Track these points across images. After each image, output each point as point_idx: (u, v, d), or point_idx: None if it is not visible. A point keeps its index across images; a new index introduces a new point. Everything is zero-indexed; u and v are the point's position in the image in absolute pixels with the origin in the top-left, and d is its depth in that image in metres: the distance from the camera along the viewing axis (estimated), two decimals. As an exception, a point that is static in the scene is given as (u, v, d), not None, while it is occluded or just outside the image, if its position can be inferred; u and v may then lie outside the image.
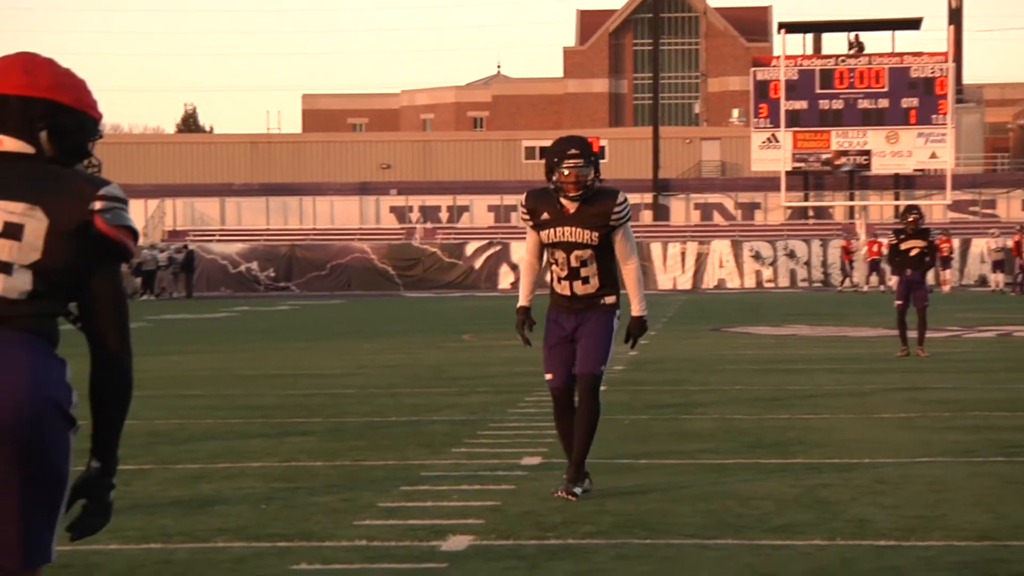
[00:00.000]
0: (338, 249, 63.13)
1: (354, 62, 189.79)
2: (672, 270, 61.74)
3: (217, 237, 65.46)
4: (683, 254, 62.01)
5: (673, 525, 8.12)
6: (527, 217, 9.20)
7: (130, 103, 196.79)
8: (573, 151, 8.98)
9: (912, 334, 20.91)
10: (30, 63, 4.01)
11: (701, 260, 61.80)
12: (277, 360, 21.84)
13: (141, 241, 64.09)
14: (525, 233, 9.37)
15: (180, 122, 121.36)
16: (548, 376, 9.19)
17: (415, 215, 69.68)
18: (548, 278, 9.25)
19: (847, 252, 56.54)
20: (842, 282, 55.96)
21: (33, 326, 3.81)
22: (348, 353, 23.21)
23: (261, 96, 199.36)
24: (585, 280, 9.06)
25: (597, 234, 9.00)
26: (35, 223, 3.85)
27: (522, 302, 9.34)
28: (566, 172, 8.94)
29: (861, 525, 8.07)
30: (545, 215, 9.07)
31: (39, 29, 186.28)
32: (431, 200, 70.16)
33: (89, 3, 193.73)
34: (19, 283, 3.82)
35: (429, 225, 67.60)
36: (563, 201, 9.03)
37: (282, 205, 70.79)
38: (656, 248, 62.14)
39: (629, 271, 9.16)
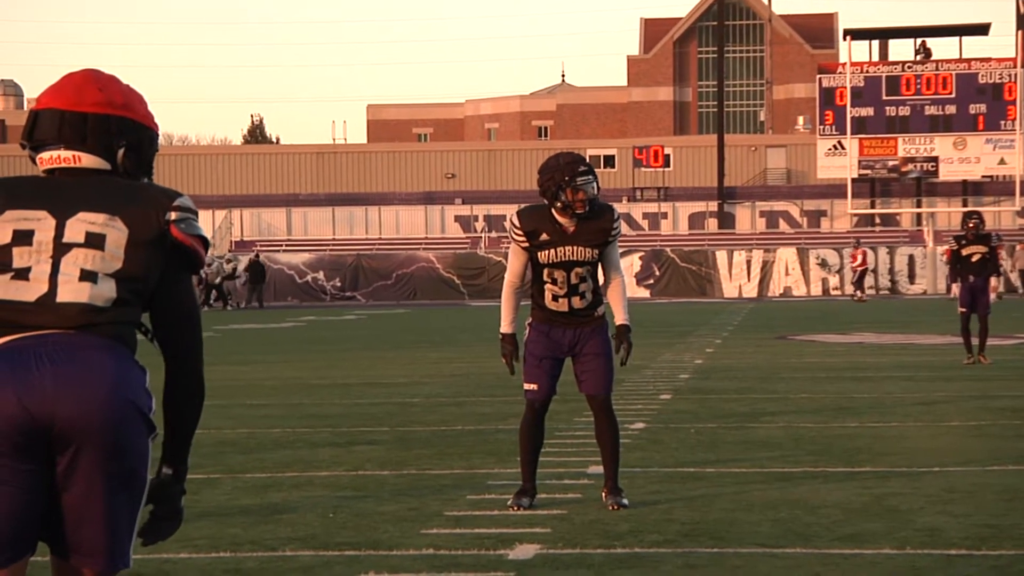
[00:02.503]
0: (403, 258, 63.28)
1: (419, 72, 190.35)
2: (738, 278, 61.51)
3: (284, 247, 65.78)
4: (748, 262, 61.76)
5: (741, 534, 8.10)
6: (522, 238, 9.03)
7: (198, 114, 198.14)
8: (583, 168, 8.91)
9: (976, 341, 20.76)
10: (102, 80, 4.12)
11: (767, 268, 61.54)
12: (344, 369, 21.91)
13: (210, 252, 64.59)
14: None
15: (247, 133, 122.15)
16: (532, 387, 9.13)
17: (480, 224, 69.77)
18: (538, 296, 9.12)
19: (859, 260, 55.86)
20: (862, 289, 55.38)
21: (116, 333, 3.93)
22: (414, 362, 23.26)
23: (327, 107, 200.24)
24: (583, 295, 9.06)
25: (597, 251, 8.99)
26: (116, 233, 3.97)
27: (507, 328, 9.24)
28: (578, 190, 8.85)
29: (931, 534, 8.02)
30: (545, 236, 8.97)
31: (107, 42, 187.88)
32: (496, 209, 70.21)
33: (156, 16, 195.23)
34: (105, 291, 3.93)
35: (494, 234, 67.64)
36: (560, 220, 8.95)
37: (348, 215, 71.06)
38: (722, 256, 61.94)
39: (617, 283, 9.13)
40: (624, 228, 70.66)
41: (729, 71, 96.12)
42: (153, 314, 4.07)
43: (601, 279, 9.15)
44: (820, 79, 67.53)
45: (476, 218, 70.38)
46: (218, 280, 57.42)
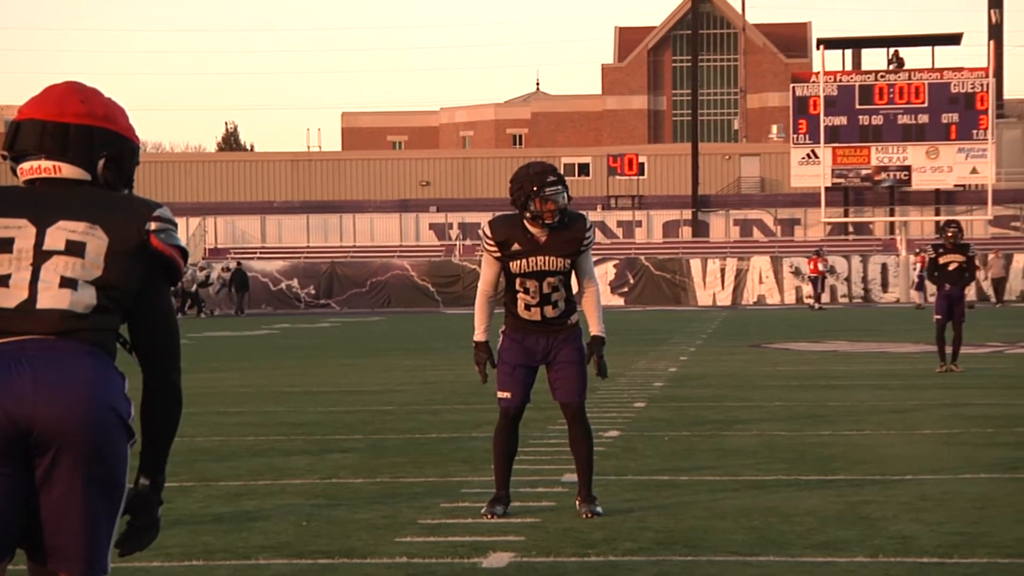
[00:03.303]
0: (378, 266, 63.23)
1: (393, 80, 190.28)
2: (712, 286, 61.59)
3: (258, 255, 65.68)
4: (723, 270, 61.85)
5: (715, 542, 8.11)
6: (494, 249, 9.01)
7: (172, 122, 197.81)
8: (552, 178, 8.87)
9: (949, 349, 20.83)
10: (84, 92, 4.18)
11: (741, 276, 61.63)
12: (318, 377, 21.88)
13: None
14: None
15: (221, 140, 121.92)
16: (505, 395, 9.10)
17: (455, 232, 69.75)
18: (511, 305, 9.11)
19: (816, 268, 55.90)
20: (816, 298, 55.44)
21: (96, 339, 3.99)
22: (388, 370, 23.24)
23: (302, 114, 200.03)
24: (555, 304, 9.03)
25: (569, 260, 8.98)
26: (96, 241, 4.03)
27: (480, 336, 9.18)
28: (547, 200, 8.83)
29: (904, 542, 8.04)
30: (517, 246, 8.96)
31: (79, 49, 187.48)
32: (471, 217, 70.19)
33: (130, 23, 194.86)
34: (85, 298, 3.99)
35: (468, 242, 67.62)
36: (532, 230, 8.93)
37: (322, 222, 70.98)
38: (696, 264, 62.01)
39: (592, 292, 9.11)
40: (598, 236, 70.74)
41: (703, 80, 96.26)
42: (131, 324, 4.13)
43: (575, 288, 9.14)
44: (794, 88, 67.68)
45: (451, 226, 70.37)
46: (193, 288, 57.34)
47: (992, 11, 78.97)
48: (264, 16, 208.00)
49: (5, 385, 3.83)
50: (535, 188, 8.85)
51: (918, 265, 54.98)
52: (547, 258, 8.93)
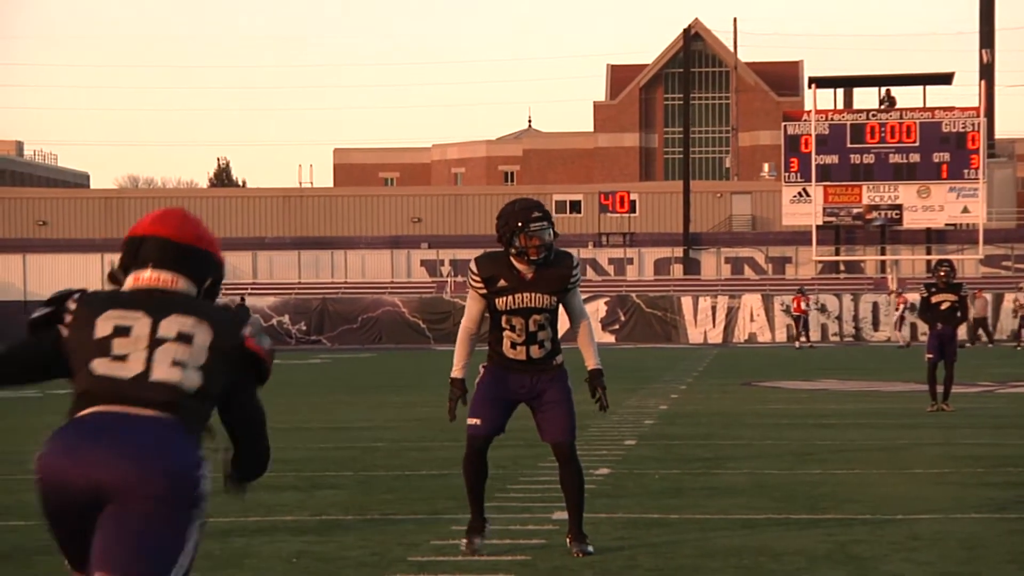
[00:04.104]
0: (369, 302, 63.21)
1: (385, 117, 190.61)
2: (703, 324, 61.60)
3: (249, 290, 65.65)
4: (714, 308, 61.88)
5: (704, 580, 8.09)
6: (480, 285, 9.00)
7: (164, 157, 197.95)
8: (537, 214, 8.86)
9: (941, 388, 20.82)
10: (197, 221, 4.96)
11: (732, 314, 61.66)
12: (308, 413, 21.85)
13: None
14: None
15: (213, 176, 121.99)
16: (474, 422, 8.99)
17: (446, 268, 69.78)
18: (496, 344, 9.05)
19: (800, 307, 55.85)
20: (798, 336, 55.46)
21: (189, 418, 4.66)
22: (378, 406, 23.21)
23: (293, 151, 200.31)
24: (541, 344, 8.98)
25: (556, 298, 8.94)
26: (202, 335, 4.71)
27: (458, 373, 9.10)
28: (532, 236, 8.81)
29: (894, 581, 8.03)
30: (503, 282, 8.93)
31: (73, 84, 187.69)
32: (462, 254, 70.19)
33: (124, 58, 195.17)
34: (193, 379, 4.66)
35: (460, 278, 67.60)
36: (519, 266, 8.91)
37: (314, 259, 70.98)
38: (687, 302, 62.03)
39: (585, 328, 9.08)
40: (589, 273, 70.84)
41: (695, 118, 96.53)
42: (225, 408, 4.85)
43: (567, 326, 9.12)
44: (785, 126, 67.84)
45: (442, 262, 70.40)
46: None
47: (983, 51, 79.23)
48: (257, 52, 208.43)
49: (79, 443, 4.50)
50: (520, 224, 8.84)
51: (900, 306, 55.09)
52: (533, 295, 8.90)
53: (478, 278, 8.99)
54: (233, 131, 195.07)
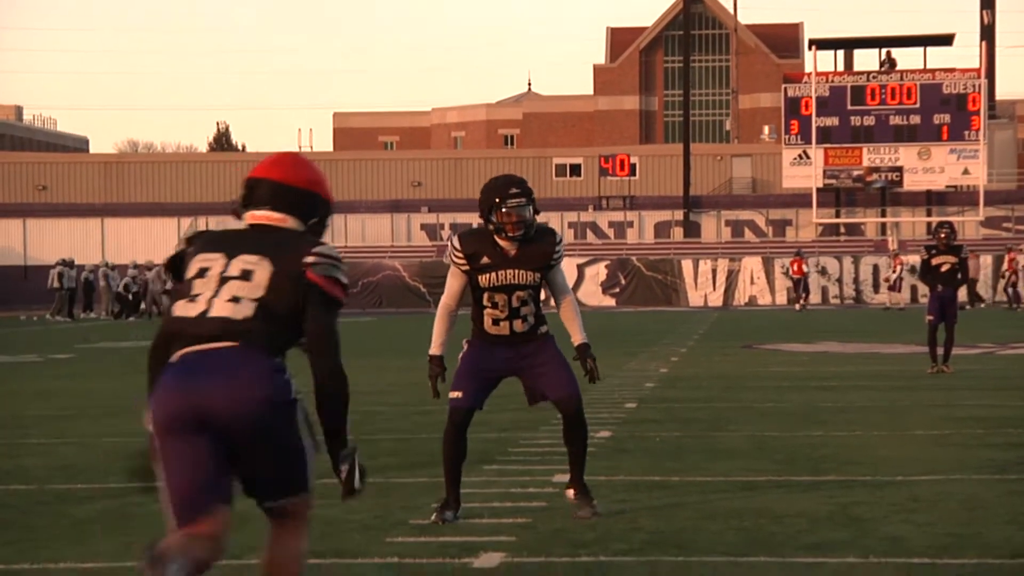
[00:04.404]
0: (369, 267, 63.22)
1: (385, 80, 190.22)
2: (703, 287, 61.61)
3: (249, 255, 65.66)
4: (714, 271, 61.88)
5: (706, 543, 8.11)
6: (463, 261, 8.94)
7: (163, 122, 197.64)
8: (515, 190, 8.80)
9: (941, 350, 20.83)
10: (307, 165, 5.70)
11: (732, 277, 61.66)
12: (309, 378, 21.82)
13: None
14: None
15: (213, 140, 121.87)
16: (456, 395, 8.93)
17: (446, 232, 69.73)
18: (478, 321, 9.02)
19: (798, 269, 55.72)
20: (797, 299, 55.38)
21: (253, 341, 5.30)
22: (379, 370, 23.23)
23: (293, 115, 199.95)
24: (524, 319, 8.94)
25: (539, 275, 8.91)
26: (262, 270, 5.38)
27: (436, 350, 9.02)
28: (512, 213, 8.77)
29: (894, 543, 8.05)
30: (486, 259, 8.88)
31: (72, 48, 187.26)
32: (462, 217, 70.18)
33: (121, 22, 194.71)
34: (244, 310, 5.32)
35: (460, 242, 67.60)
36: (501, 243, 8.87)
37: (314, 222, 70.91)
38: (687, 265, 62.03)
39: (568, 304, 9.05)
40: (589, 237, 70.82)
41: (695, 80, 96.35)
42: (306, 335, 5.42)
43: (550, 303, 9.07)
44: (785, 88, 67.71)
45: (442, 226, 70.36)
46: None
47: (984, 12, 79.02)
48: (256, 16, 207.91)
49: (180, 381, 5.24)
50: (497, 200, 8.80)
51: (898, 267, 55.01)
52: (516, 271, 8.86)
53: (460, 255, 8.93)
54: (232, 95, 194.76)
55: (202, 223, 69.96)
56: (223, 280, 5.39)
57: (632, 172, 72.39)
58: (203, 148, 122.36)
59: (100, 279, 56.33)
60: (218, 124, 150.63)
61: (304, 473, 5.53)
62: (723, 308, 58.81)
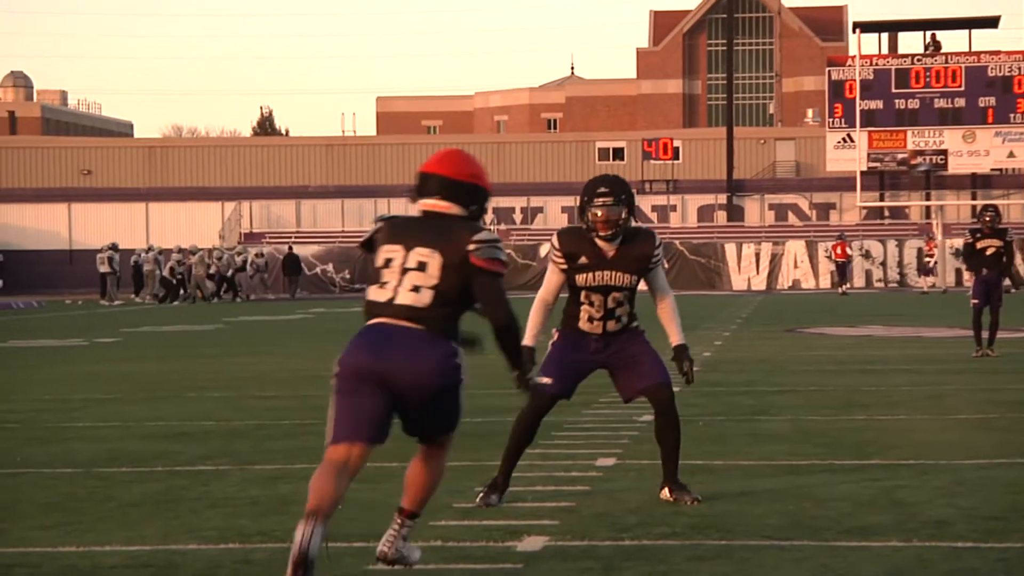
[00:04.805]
0: (412, 251, 63.24)
1: (428, 65, 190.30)
2: (746, 271, 61.51)
3: (293, 239, 65.84)
4: (757, 255, 61.77)
5: (749, 526, 8.12)
6: (561, 260, 8.91)
7: (207, 106, 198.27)
8: (603, 189, 8.78)
9: (986, 334, 20.74)
10: (470, 160, 6.85)
11: (776, 261, 61.53)
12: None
13: (218, 243, 64.41)
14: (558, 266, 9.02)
15: (256, 125, 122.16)
16: (545, 380, 8.84)
17: (489, 216, 69.63)
18: (573, 317, 8.98)
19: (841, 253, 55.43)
20: (840, 283, 55.18)
21: (431, 325, 6.54)
22: (423, 354, 23.24)
23: (336, 99, 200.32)
24: (618, 319, 8.93)
25: (636, 277, 8.90)
26: (434, 261, 6.59)
27: (529, 341, 8.84)
28: (597, 212, 8.75)
29: (938, 527, 8.04)
30: (583, 259, 8.85)
31: (116, 33, 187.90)
32: (505, 201, 70.21)
33: (165, 7, 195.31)
34: (424, 298, 6.56)
35: (503, 227, 67.64)
36: (599, 243, 8.83)
37: (357, 207, 71.08)
38: (730, 249, 61.92)
39: (667, 305, 9.02)
40: (632, 222, 70.48)
41: (738, 64, 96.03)
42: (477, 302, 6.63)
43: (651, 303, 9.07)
44: (829, 72, 67.45)
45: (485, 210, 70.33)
46: (229, 272, 57.51)
47: (1029, -6, 78.43)
48: (299, 1, 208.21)
49: (371, 346, 6.54)
50: (586, 199, 8.80)
51: (934, 251, 54.74)
52: (613, 273, 8.82)
53: (559, 253, 8.91)
54: (276, 80, 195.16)
55: (245, 208, 70.22)
56: (404, 271, 6.60)
57: (675, 156, 72.24)
58: (247, 132, 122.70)
59: (147, 263, 56.60)
60: (261, 109, 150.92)
61: (455, 421, 6.81)
62: (766, 292, 58.68)
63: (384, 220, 6.83)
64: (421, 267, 6.58)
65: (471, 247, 6.55)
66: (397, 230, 6.73)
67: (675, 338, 9.07)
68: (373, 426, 6.60)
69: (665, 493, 9.02)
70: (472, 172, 6.77)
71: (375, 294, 6.67)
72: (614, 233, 8.79)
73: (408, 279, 6.59)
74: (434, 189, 6.76)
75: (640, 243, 8.89)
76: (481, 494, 8.94)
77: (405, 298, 6.57)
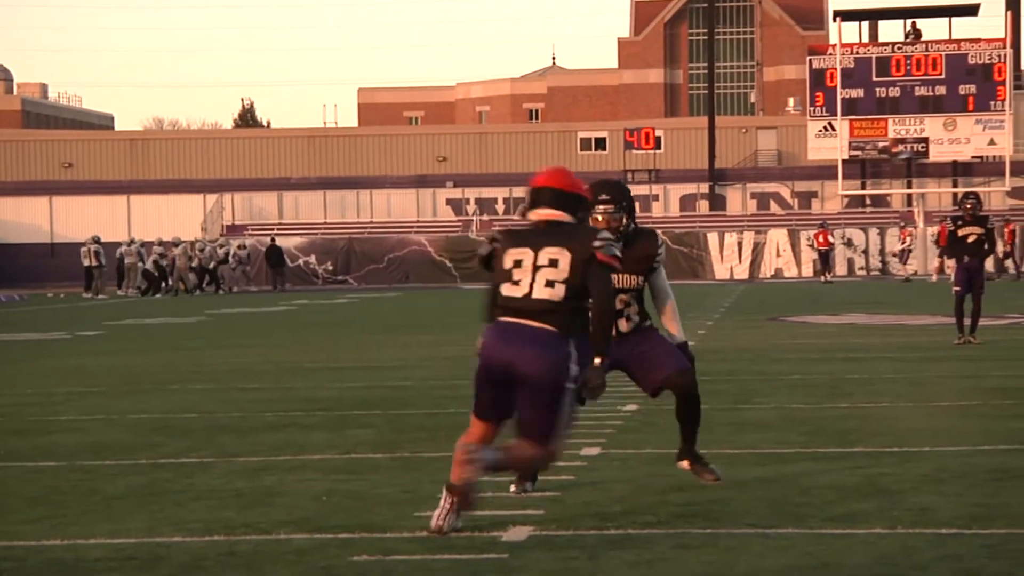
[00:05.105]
0: (395, 242, 63.31)
1: (410, 55, 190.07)
2: (729, 260, 61.58)
3: (275, 231, 65.76)
4: (740, 244, 61.83)
5: (734, 514, 8.13)
6: None
7: (188, 99, 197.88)
8: (604, 196, 8.90)
9: (968, 321, 20.79)
10: (570, 174, 7.88)
11: (758, 249, 61.60)
12: (336, 353, 21.93)
13: (200, 236, 64.26)
14: None
15: (238, 117, 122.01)
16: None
17: (471, 207, 69.75)
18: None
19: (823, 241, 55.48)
20: (823, 271, 55.29)
21: (560, 321, 7.49)
22: (406, 346, 23.28)
23: (318, 90, 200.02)
24: (629, 318, 9.06)
25: (641, 278, 9.03)
26: (565, 258, 7.56)
27: None
28: (599, 218, 8.85)
29: (922, 513, 8.06)
30: None
31: (98, 27, 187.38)
32: (487, 192, 70.19)
33: (146, 0, 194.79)
34: (559, 293, 7.52)
35: (486, 217, 67.63)
36: None
37: (339, 199, 71.01)
38: (713, 238, 61.98)
39: (669, 307, 9.16)
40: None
41: (720, 53, 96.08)
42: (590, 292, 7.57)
43: (650, 304, 9.14)
44: (810, 60, 67.50)
45: (468, 201, 70.36)
46: (211, 265, 57.42)
47: (1009, -18, 78.55)
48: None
49: (502, 339, 7.51)
50: (589, 205, 8.94)
51: (907, 239, 54.78)
52: (618, 276, 8.90)
53: None
54: (257, 72, 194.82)
55: (228, 200, 70.11)
56: (536, 268, 7.53)
57: (657, 145, 72.26)
58: (228, 124, 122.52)
59: (129, 256, 56.47)
60: (243, 100, 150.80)
61: (552, 427, 7.56)
62: (749, 281, 58.75)
63: (500, 234, 7.84)
64: (553, 264, 7.53)
65: (597, 244, 7.55)
66: (520, 237, 7.72)
67: (676, 337, 9.23)
68: (499, 408, 7.64)
69: (684, 465, 9.17)
70: (576, 184, 7.81)
71: (510, 290, 7.58)
72: (627, 237, 8.94)
73: (541, 275, 7.53)
74: (547, 200, 7.73)
75: (642, 243, 9.04)
76: (514, 484, 8.96)
77: (541, 292, 7.51)
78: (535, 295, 7.48)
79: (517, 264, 7.59)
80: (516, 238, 7.71)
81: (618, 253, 7.64)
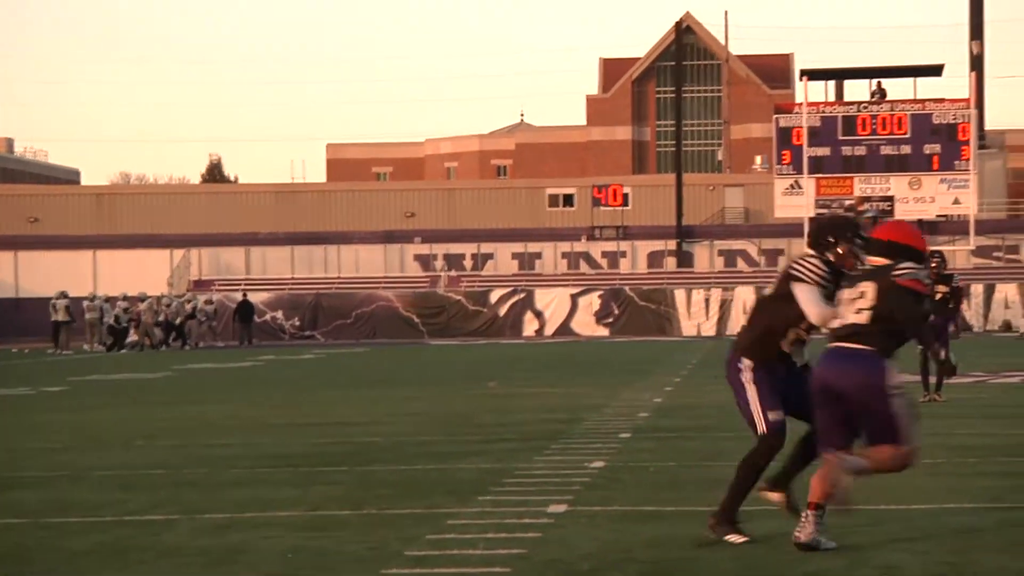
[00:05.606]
0: (363, 297, 63.22)
1: (378, 111, 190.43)
2: (696, 316, 61.67)
3: (243, 286, 65.62)
4: (707, 300, 61.95)
5: (702, 572, 8.12)
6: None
7: (155, 153, 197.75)
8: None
9: (933, 379, 20.85)
10: (902, 226, 9.19)
11: (725, 306, 61.72)
12: (303, 409, 21.86)
13: (167, 291, 64.01)
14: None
15: (205, 172, 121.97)
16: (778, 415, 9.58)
17: (439, 263, 69.75)
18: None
19: None
20: None
21: (869, 341, 8.71)
22: (374, 402, 23.22)
23: (286, 146, 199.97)
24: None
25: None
26: (871, 290, 8.75)
27: None
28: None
29: (890, 571, 8.06)
30: None
31: (67, 80, 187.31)
32: (455, 248, 70.22)
33: (115, 54, 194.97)
34: (863, 318, 8.74)
35: (453, 273, 67.63)
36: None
37: (307, 254, 70.94)
38: (680, 294, 62.08)
39: None
40: (583, 267, 70.90)
41: (687, 111, 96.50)
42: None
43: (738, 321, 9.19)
44: (777, 119, 67.85)
45: (435, 257, 70.36)
46: (178, 320, 57.23)
47: (973, 42, 79.27)
48: (248, 48, 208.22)
49: (827, 364, 8.81)
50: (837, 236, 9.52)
51: None
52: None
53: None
54: (225, 127, 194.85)
55: (195, 255, 70.00)
56: (852, 301, 8.82)
57: (625, 202, 72.42)
58: (195, 180, 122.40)
59: (89, 311, 56.12)
60: (210, 156, 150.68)
61: (894, 433, 8.68)
62: (716, 337, 58.82)
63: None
64: (862, 295, 8.76)
65: (898, 272, 8.72)
66: (849, 280, 8.98)
67: None
68: (837, 434, 8.79)
69: (780, 498, 9.56)
70: (901, 235, 9.00)
71: (836, 322, 8.89)
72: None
73: (853, 305, 8.80)
74: (879, 249, 8.94)
75: None
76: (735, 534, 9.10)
77: (852, 318, 8.78)
78: (847, 321, 8.89)
79: (841, 302, 9.04)
80: (847, 280, 9.08)
81: (923, 279, 8.88)
